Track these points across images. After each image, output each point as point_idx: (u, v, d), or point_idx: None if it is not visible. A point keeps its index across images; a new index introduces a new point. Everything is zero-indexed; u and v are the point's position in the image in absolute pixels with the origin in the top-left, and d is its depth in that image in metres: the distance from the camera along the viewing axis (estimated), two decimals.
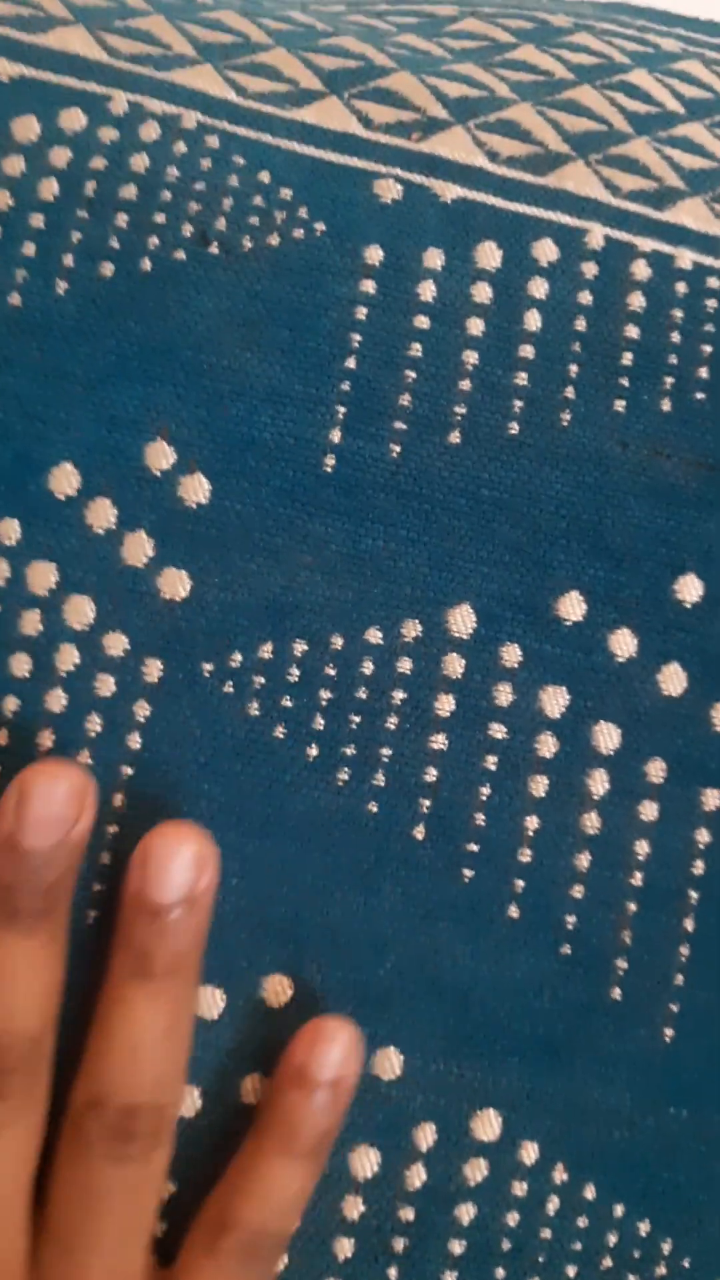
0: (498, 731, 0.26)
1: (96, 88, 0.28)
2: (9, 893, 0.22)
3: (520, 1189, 0.26)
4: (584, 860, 0.26)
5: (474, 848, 0.26)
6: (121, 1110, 0.22)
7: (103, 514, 0.26)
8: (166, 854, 0.22)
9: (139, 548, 0.26)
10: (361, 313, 0.27)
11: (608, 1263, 0.26)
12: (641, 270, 0.28)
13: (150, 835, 0.23)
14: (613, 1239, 0.26)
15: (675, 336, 0.28)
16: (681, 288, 0.28)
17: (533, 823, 0.26)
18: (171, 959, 0.22)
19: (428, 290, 0.27)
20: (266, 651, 0.26)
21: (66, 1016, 0.24)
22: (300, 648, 0.26)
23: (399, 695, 0.26)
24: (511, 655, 0.26)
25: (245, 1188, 0.23)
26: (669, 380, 0.28)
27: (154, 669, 0.25)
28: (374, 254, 0.27)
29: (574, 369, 0.28)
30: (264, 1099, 0.24)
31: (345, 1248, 0.25)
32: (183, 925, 0.23)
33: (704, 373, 0.28)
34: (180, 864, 0.22)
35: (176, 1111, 0.24)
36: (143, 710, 0.25)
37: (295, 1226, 0.24)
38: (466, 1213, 0.26)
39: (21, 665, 0.25)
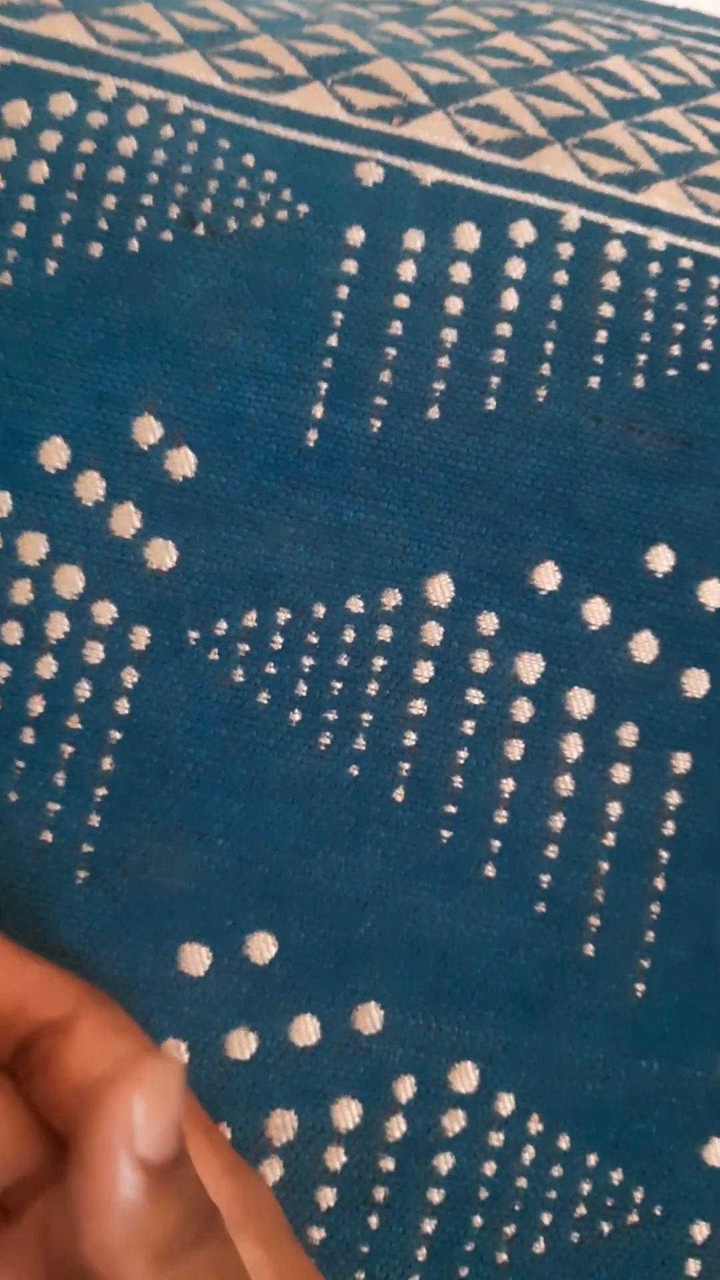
0: (475, 697, 0.27)
1: (86, 73, 0.28)
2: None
3: (497, 1139, 0.27)
4: (558, 821, 0.27)
5: (452, 809, 0.27)
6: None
7: (92, 487, 0.26)
8: None
9: (127, 519, 0.26)
10: (343, 292, 0.28)
11: (581, 1210, 0.27)
12: (616, 251, 0.29)
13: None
14: (586, 1188, 0.27)
15: (648, 315, 0.29)
16: (655, 268, 0.29)
17: (509, 785, 0.27)
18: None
19: (408, 270, 0.28)
20: (251, 620, 0.27)
21: None
22: (284, 616, 0.27)
23: (379, 662, 0.27)
24: (488, 623, 0.27)
25: None
26: (642, 358, 0.29)
27: (142, 637, 0.26)
28: (356, 235, 0.28)
29: (550, 347, 0.28)
30: None
31: (328, 1197, 0.26)
32: None
33: (676, 350, 0.29)
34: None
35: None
36: (131, 677, 0.26)
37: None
38: (445, 1162, 0.26)
39: (13, 633, 0.26)
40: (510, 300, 0.28)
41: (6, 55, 0.28)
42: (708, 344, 0.29)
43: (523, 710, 0.27)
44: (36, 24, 0.29)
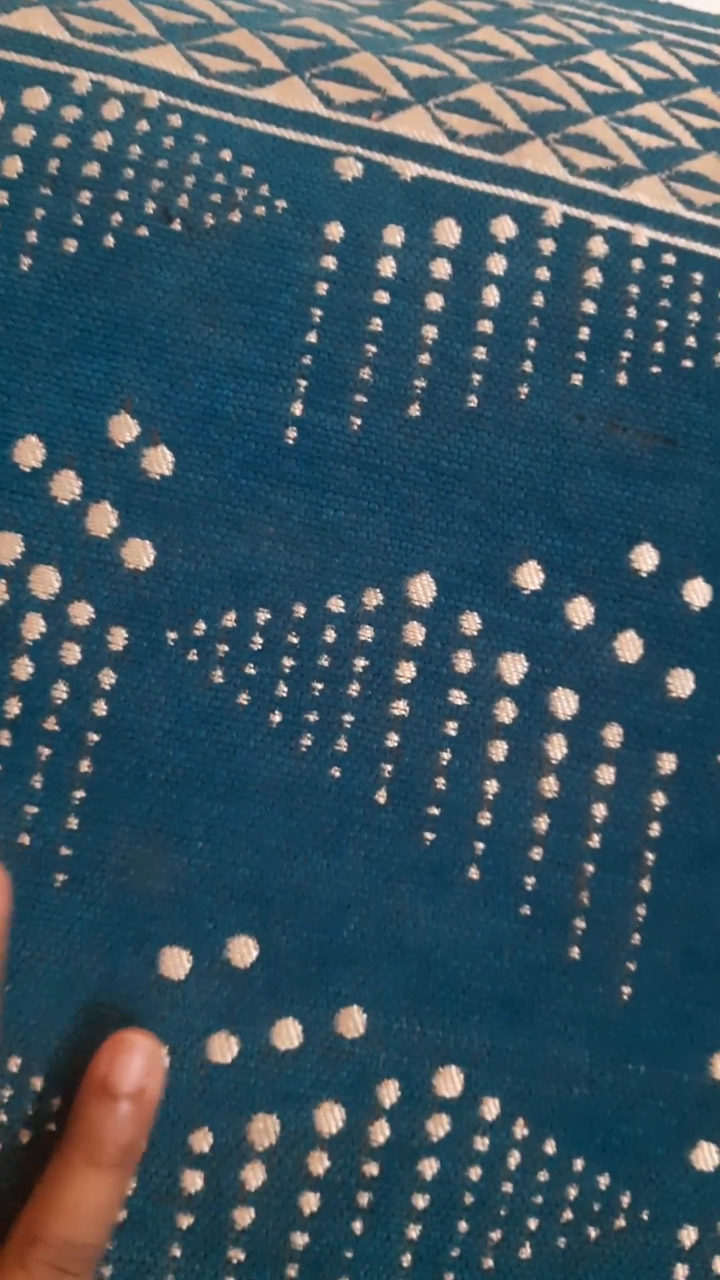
0: (458, 698, 0.27)
1: (60, 67, 0.28)
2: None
3: (482, 1144, 0.26)
4: (543, 823, 0.27)
5: (435, 811, 0.27)
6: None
7: (67, 485, 0.26)
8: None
9: (103, 518, 0.26)
10: (322, 288, 0.27)
11: (568, 1215, 0.27)
12: (598, 247, 0.29)
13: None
14: (573, 1192, 0.27)
15: (631, 312, 0.29)
16: (638, 264, 0.29)
17: (492, 786, 0.27)
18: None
19: (387, 266, 0.28)
20: (230, 620, 0.26)
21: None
22: (263, 616, 0.26)
23: (361, 663, 0.27)
24: (471, 623, 0.27)
25: (52, 1201, 0.24)
26: (625, 355, 0.28)
27: (119, 637, 0.26)
28: (334, 230, 0.28)
29: (532, 344, 0.28)
30: (71, 1113, 0.24)
31: (311, 1202, 0.26)
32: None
33: (659, 347, 0.28)
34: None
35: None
36: (108, 678, 0.26)
37: (106, 1237, 0.24)
38: (429, 1167, 0.26)
39: None
40: (491, 296, 0.28)
41: None
42: (691, 340, 0.29)
43: (506, 711, 0.27)
44: (9, 17, 0.28)
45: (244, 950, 0.26)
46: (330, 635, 0.27)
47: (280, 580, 0.26)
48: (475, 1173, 0.26)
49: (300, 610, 0.26)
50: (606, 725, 0.27)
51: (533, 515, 0.27)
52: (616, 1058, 0.27)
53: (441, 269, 0.28)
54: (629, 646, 0.27)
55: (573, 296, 0.28)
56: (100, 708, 0.26)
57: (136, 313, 0.27)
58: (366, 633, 0.27)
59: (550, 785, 0.27)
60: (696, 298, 0.29)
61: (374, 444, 0.27)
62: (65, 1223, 0.23)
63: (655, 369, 0.28)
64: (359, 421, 0.27)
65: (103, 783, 0.26)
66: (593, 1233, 0.27)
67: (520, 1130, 0.27)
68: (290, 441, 0.27)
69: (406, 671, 0.27)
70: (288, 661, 0.26)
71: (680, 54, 0.33)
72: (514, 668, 0.27)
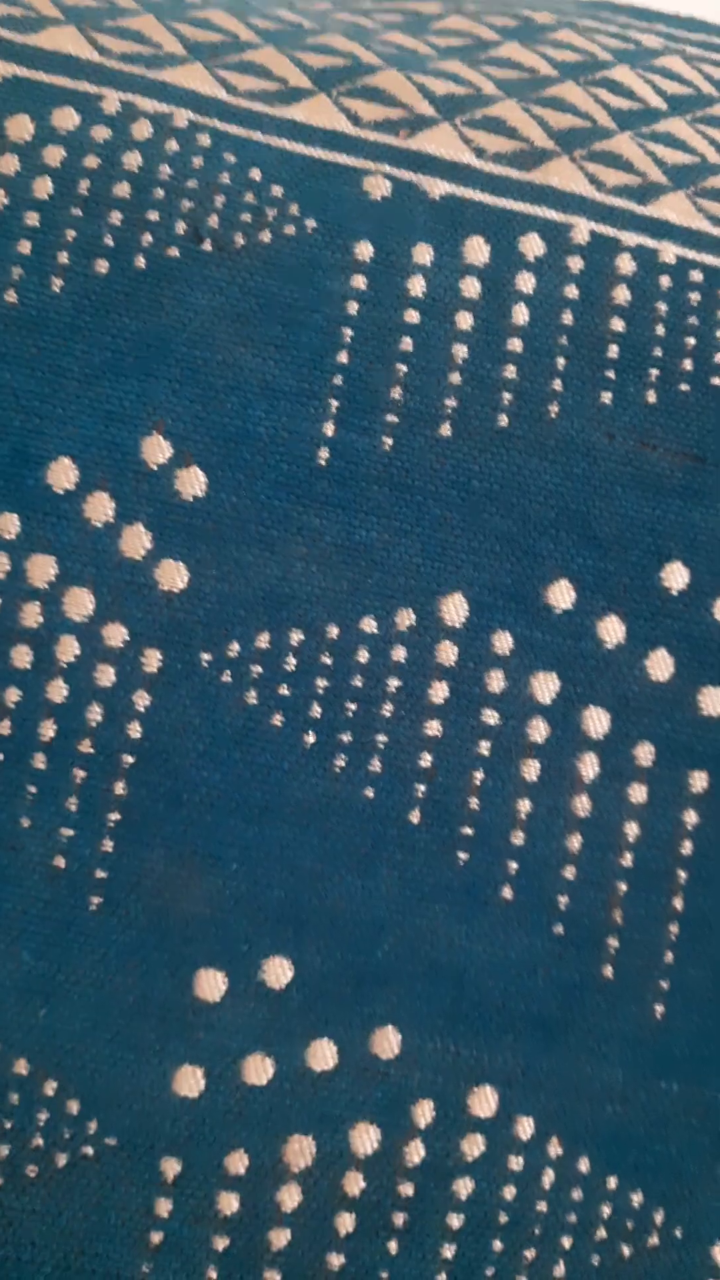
0: (490, 717, 0.27)
1: (89, 87, 0.28)
2: None
3: (516, 1163, 0.26)
4: (575, 842, 0.27)
5: (468, 831, 0.27)
6: None
7: (101, 507, 0.26)
8: None
9: (137, 540, 0.26)
10: (353, 308, 0.27)
11: (602, 1234, 0.27)
12: (626, 264, 0.29)
13: None
14: (607, 1211, 0.27)
15: (660, 329, 0.29)
16: (665, 281, 0.29)
17: (525, 806, 0.27)
18: None
19: (417, 285, 0.28)
20: (264, 641, 0.26)
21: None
22: (297, 637, 0.26)
23: (394, 683, 0.27)
24: (503, 643, 0.27)
25: None
26: (654, 372, 0.28)
27: (153, 659, 0.26)
28: (364, 250, 0.28)
29: (561, 362, 0.28)
30: None
31: (347, 1223, 0.26)
32: None
33: (688, 365, 0.28)
34: None
35: None
36: (143, 700, 0.26)
37: None
38: (464, 1187, 0.26)
39: (23, 656, 0.26)
40: (521, 315, 0.28)
41: (8, 69, 0.28)
42: (719, 358, 0.29)
43: (538, 730, 0.27)
44: (38, 37, 0.28)
45: (279, 972, 0.26)
46: (363, 656, 0.27)
47: (313, 601, 0.26)
48: (510, 1192, 0.26)
49: (333, 631, 0.26)
50: (638, 744, 0.27)
51: (564, 534, 0.27)
52: (650, 1076, 0.27)
53: (471, 288, 0.28)
54: (660, 665, 0.27)
55: (601, 314, 0.28)
56: (135, 730, 0.26)
57: (168, 334, 0.27)
58: (399, 653, 0.27)
59: (583, 804, 0.27)
60: None
61: (406, 464, 0.27)
62: None
63: (684, 386, 0.28)
64: (390, 441, 0.27)
65: (137, 805, 0.26)
66: (626, 1250, 0.27)
67: (554, 1149, 0.27)
68: (322, 462, 0.27)
69: (439, 691, 0.27)
70: (321, 682, 0.26)
71: (703, 68, 0.33)
72: (546, 687, 0.27)
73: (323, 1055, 0.26)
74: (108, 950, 0.25)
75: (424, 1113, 0.26)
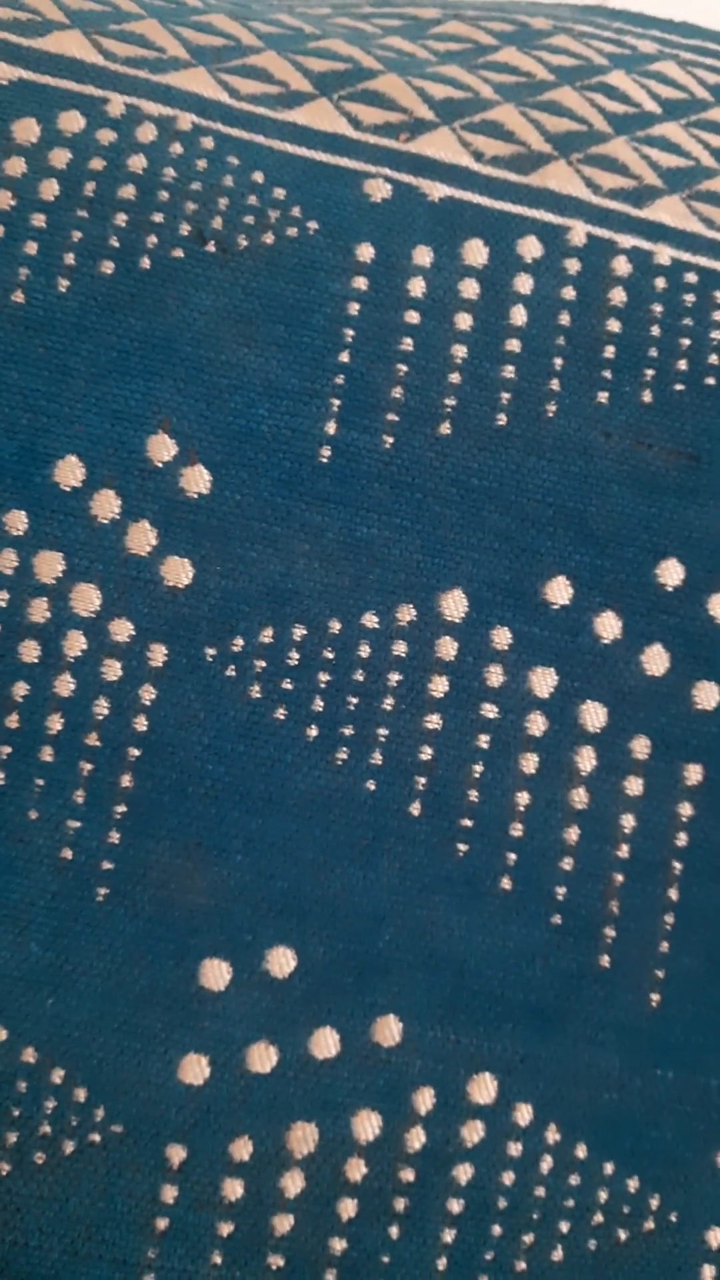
0: (489, 711, 0.27)
1: (94, 90, 0.28)
2: None
3: (515, 1149, 0.27)
4: (573, 834, 0.27)
5: (468, 823, 0.27)
6: None
7: (107, 505, 0.26)
8: None
9: (143, 537, 0.27)
10: (354, 308, 0.28)
11: (599, 1218, 0.27)
12: (622, 266, 0.29)
13: None
14: (603, 1196, 0.27)
15: (655, 330, 0.29)
16: (660, 283, 0.29)
17: (524, 798, 0.27)
18: None
19: (417, 286, 0.28)
20: (267, 636, 0.27)
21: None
22: (299, 632, 0.27)
23: (395, 677, 0.27)
24: (501, 638, 0.28)
25: None
26: (649, 372, 0.29)
27: (159, 654, 0.26)
28: (365, 251, 0.28)
29: (558, 362, 0.29)
30: None
31: (348, 1208, 0.26)
32: None
33: (683, 365, 0.29)
34: None
35: None
36: (148, 694, 0.26)
37: None
38: (464, 1173, 0.27)
39: (30, 651, 0.26)
40: (519, 316, 0.29)
41: (14, 72, 0.28)
42: (714, 358, 0.29)
43: (536, 724, 0.27)
44: (43, 41, 0.29)
45: (283, 961, 0.26)
46: (364, 650, 0.27)
47: (315, 597, 0.27)
48: (508, 1177, 0.27)
49: (335, 626, 0.27)
50: (634, 737, 0.28)
51: (561, 531, 0.28)
52: (645, 1063, 0.27)
53: (470, 289, 0.29)
54: (656, 660, 0.28)
55: (598, 315, 0.29)
56: (140, 723, 0.26)
57: (172, 334, 0.27)
58: (400, 648, 0.27)
59: (580, 797, 0.27)
60: (718, 316, 0.29)
61: (406, 462, 0.28)
62: None
63: (679, 386, 0.29)
64: (391, 440, 0.28)
65: (143, 797, 0.26)
66: (622, 1235, 0.27)
67: (552, 1135, 0.27)
68: (324, 460, 0.27)
69: (439, 686, 0.27)
70: (323, 676, 0.27)
71: (697, 73, 0.34)
72: (544, 681, 0.28)
73: (325, 1043, 0.26)
74: (114, 940, 0.26)
75: (424, 1100, 0.27)
